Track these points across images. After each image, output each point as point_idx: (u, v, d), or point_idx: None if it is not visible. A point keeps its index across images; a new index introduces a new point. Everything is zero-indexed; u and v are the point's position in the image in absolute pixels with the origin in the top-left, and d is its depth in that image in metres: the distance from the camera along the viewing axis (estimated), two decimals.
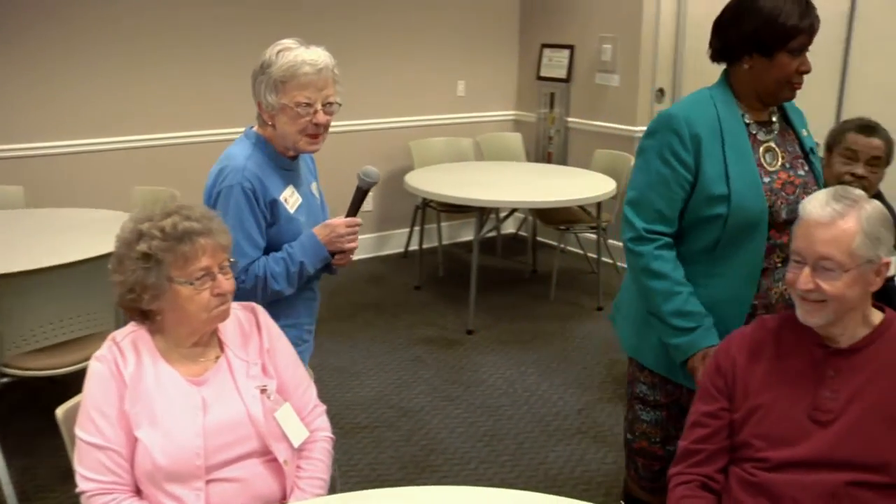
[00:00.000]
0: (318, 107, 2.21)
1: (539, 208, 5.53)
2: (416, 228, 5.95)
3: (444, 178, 5.27)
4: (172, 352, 1.88)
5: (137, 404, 1.80)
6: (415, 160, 5.89)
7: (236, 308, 2.01)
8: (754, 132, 2.19)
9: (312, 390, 2.08)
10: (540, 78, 6.56)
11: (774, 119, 2.23)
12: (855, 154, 2.86)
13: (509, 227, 6.93)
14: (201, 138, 5.31)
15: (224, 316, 1.89)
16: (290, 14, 5.50)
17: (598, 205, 5.22)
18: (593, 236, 5.70)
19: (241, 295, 2.16)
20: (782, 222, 2.15)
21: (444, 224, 6.33)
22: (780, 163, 2.19)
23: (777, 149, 2.20)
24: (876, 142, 2.84)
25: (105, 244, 3.29)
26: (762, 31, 2.09)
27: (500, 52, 6.69)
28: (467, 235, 6.69)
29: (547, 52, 6.50)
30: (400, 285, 5.62)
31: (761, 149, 2.18)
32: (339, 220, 2.34)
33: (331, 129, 2.30)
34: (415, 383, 4.21)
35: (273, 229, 2.28)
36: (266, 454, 1.87)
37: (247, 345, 1.98)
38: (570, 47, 6.32)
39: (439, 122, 6.40)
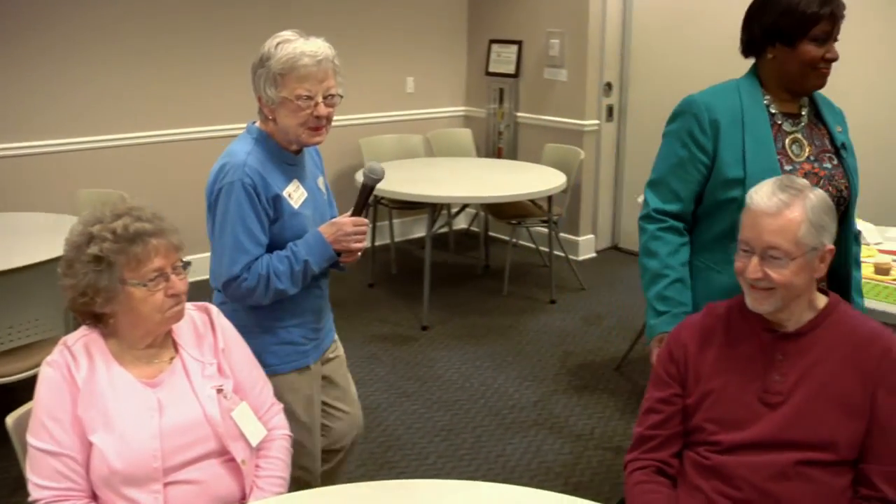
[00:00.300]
0: (319, 99, 2.15)
1: (490, 203, 5.56)
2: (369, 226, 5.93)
3: (395, 174, 5.27)
4: (126, 354, 1.86)
5: (91, 408, 1.78)
6: (365, 157, 5.88)
7: (190, 308, 1.99)
8: (779, 122, 2.19)
9: (269, 389, 2.08)
10: (489, 73, 6.59)
11: (804, 112, 2.22)
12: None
13: (461, 223, 6.95)
14: (147, 139, 5.25)
15: (179, 317, 1.88)
16: (234, 11, 5.45)
17: (549, 198, 5.26)
18: (545, 230, 5.74)
19: (243, 293, 2.17)
20: None
21: (395, 221, 6.33)
22: (806, 154, 2.18)
23: (804, 140, 2.19)
24: None
25: (50, 248, 3.24)
26: (782, 20, 2.11)
27: (449, 48, 6.70)
28: (419, 232, 6.70)
29: (495, 47, 6.54)
30: (353, 283, 5.61)
31: (788, 139, 2.18)
32: (346, 219, 2.27)
33: None
34: (371, 380, 4.21)
35: (276, 225, 2.22)
36: (224, 454, 1.87)
37: (201, 345, 1.96)
38: (519, 43, 6.36)
39: (389, 119, 6.40)
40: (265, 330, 2.28)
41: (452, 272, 5.93)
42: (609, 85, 6.15)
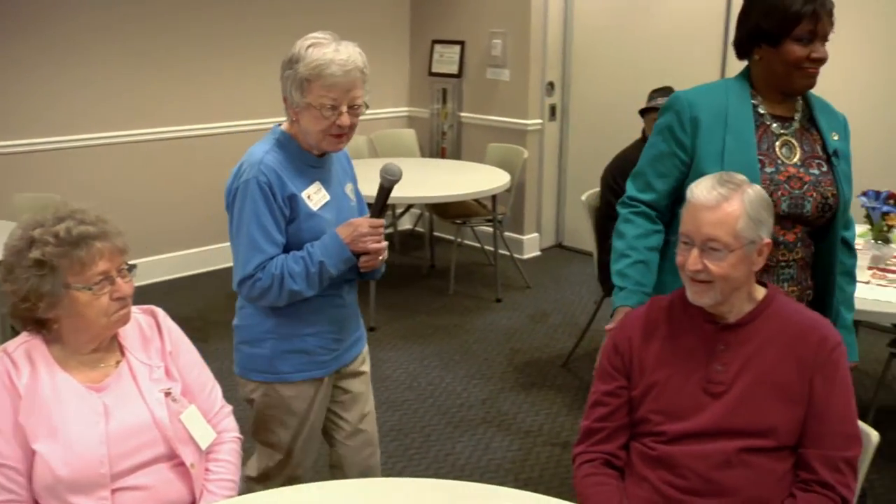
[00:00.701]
0: (344, 109, 2.09)
1: (435, 203, 5.58)
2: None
3: None
4: (70, 359, 1.83)
5: (33, 416, 1.74)
6: None
7: (136, 312, 1.96)
8: (768, 123, 2.17)
9: (218, 391, 2.06)
10: (432, 74, 6.61)
11: (796, 116, 2.19)
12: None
13: (406, 224, 6.95)
14: (83, 143, 5.14)
15: (125, 320, 1.85)
16: (178, 13, 5.37)
17: (493, 198, 5.30)
18: (489, 229, 5.78)
19: (257, 294, 2.15)
20: (783, 216, 2.10)
21: None
22: (796, 157, 2.15)
23: (795, 143, 2.16)
24: None
25: None
26: (765, 20, 2.09)
27: (392, 49, 6.70)
28: None
29: (438, 47, 6.56)
30: None
31: (778, 141, 2.15)
32: (363, 220, 2.19)
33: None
34: None
35: (292, 226, 2.17)
36: (173, 458, 1.85)
37: (148, 348, 1.94)
38: (461, 43, 6.39)
39: None
40: (280, 336, 2.25)
41: (398, 273, 5.93)
42: (551, 84, 6.21)
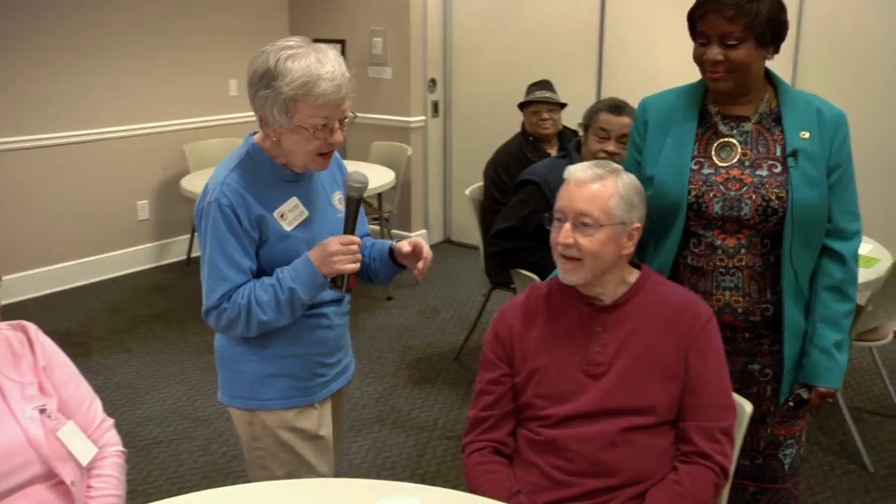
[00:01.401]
0: (336, 125, 1.90)
1: None
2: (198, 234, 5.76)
3: None
4: None
5: None
6: (190, 164, 5.70)
7: (5, 328, 1.88)
8: (716, 122, 2.07)
9: (98, 405, 1.99)
10: None
11: (753, 117, 2.06)
12: (607, 133, 3.09)
13: None
14: None
15: None
16: (58, 12, 5.15)
17: (379, 196, 5.30)
18: (376, 227, 5.77)
19: (224, 325, 1.97)
20: (717, 218, 2.03)
21: None
22: (735, 159, 2.03)
23: (738, 145, 2.04)
24: (625, 120, 3.08)
25: None
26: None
27: None
28: None
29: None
30: (186, 293, 5.44)
31: (717, 143, 2.06)
32: (333, 238, 1.96)
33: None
34: (210, 390, 4.09)
35: (264, 249, 1.97)
36: (51, 478, 1.77)
37: (20, 365, 1.86)
38: (342, 42, 6.35)
39: (214, 124, 6.23)
40: (261, 358, 2.05)
41: None
42: (433, 81, 6.25)
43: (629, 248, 1.92)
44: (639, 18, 5.38)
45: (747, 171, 2.02)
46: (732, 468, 1.90)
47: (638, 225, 1.92)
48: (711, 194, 2.02)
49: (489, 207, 4.09)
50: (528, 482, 1.88)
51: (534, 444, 1.91)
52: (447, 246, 6.58)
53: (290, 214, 1.98)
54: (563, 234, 1.86)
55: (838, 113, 2.05)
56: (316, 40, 1.95)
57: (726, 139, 2.06)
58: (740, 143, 2.05)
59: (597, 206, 1.85)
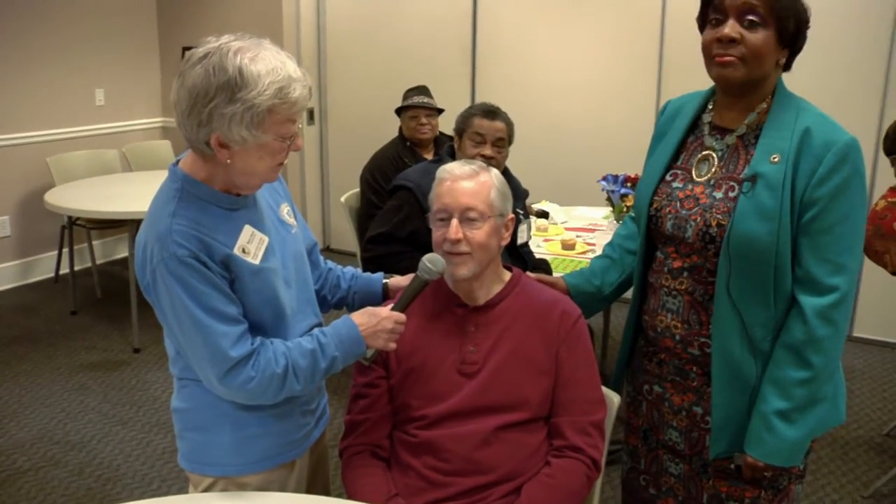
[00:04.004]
0: (297, 129, 1.66)
1: None
2: (66, 250, 5.52)
3: (90, 192, 4.96)
4: None
5: None
6: (55, 177, 5.45)
7: None
8: (705, 133, 1.87)
9: None
10: None
11: (737, 130, 1.82)
12: (483, 137, 3.13)
13: None
14: None
15: None
16: None
17: None
18: None
19: (248, 394, 1.68)
20: (668, 236, 1.87)
21: (95, 242, 5.94)
22: (708, 176, 1.82)
23: (716, 160, 1.83)
24: (499, 124, 3.14)
25: None
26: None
27: (140, 57, 6.40)
28: (122, 252, 6.35)
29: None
30: (54, 312, 5.20)
31: (698, 156, 1.87)
32: (388, 312, 1.79)
33: None
34: (81, 413, 3.93)
35: (234, 288, 1.68)
36: None
37: None
38: None
39: (79, 135, 5.99)
40: (238, 420, 1.78)
41: None
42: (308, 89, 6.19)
43: (507, 238, 1.98)
44: (511, 25, 5.49)
45: (707, 191, 1.81)
46: (604, 460, 1.95)
47: (512, 216, 1.98)
48: (667, 210, 1.86)
49: (367, 212, 4.09)
50: (406, 484, 1.88)
51: (410, 445, 1.91)
52: (327, 254, 6.52)
53: (250, 247, 1.70)
54: (452, 231, 1.88)
55: (834, 140, 1.68)
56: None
57: (707, 152, 1.85)
58: (718, 157, 1.82)
59: (480, 199, 1.90)
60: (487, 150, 3.10)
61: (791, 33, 1.71)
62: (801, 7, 1.72)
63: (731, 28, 1.69)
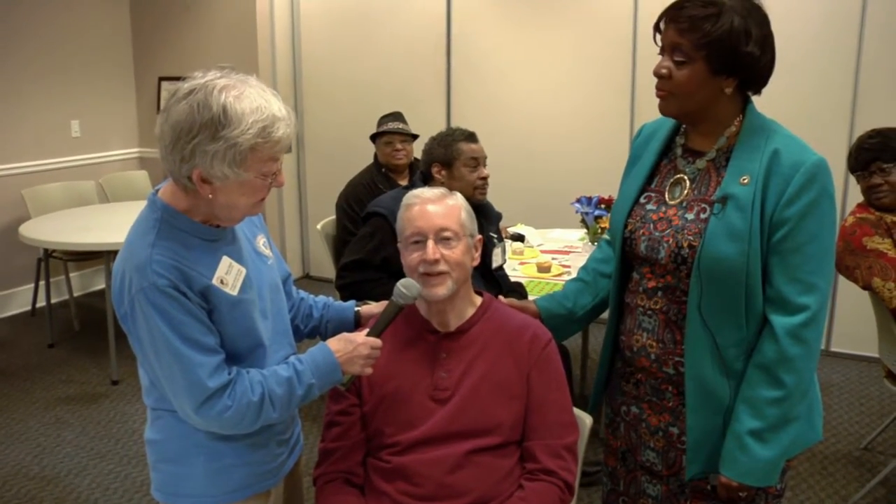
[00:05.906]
0: (279, 166, 1.66)
1: None
2: (42, 283, 5.49)
3: (67, 224, 4.94)
4: None
5: None
6: (30, 209, 5.43)
7: None
8: (678, 156, 1.89)
9: None
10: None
11: (708, 154, 1.84)
12: (477, 160, 3.16)
13: None
14: None
15: None
16: None
17: None
18: None
19: (223, 423, 1.67)
20: (642, 257, 1.89)
21: (73, 274, 5.92)
22: (680, 199, 1.85)
23: (689, 183, 1.85)
24: (481, 145, 3.21)
25: None
26: None
27: (116, 88, 6.40)
28: (100, 283, 6.32)
29: (165, 84, 6.35)
30: (30, 346, 5.16)
31: (672, 179, 1.89)
32: (363, 338, 1.80)
33: None
34: (58, 447, 3.89)
35: (212, 319, 1.68)
36: None
37: None
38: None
39: (54, 167, 5.97)
40: (212, 451, 1.77)
41: None
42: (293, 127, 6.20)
43: (477, 258, 2.02)
44: (486, 50, 5.55)
45: (679, 213, 1.83)
46: (577, 483, 1.96)
47: (480, 236, 2.03)
48: (641, 232, 1.88)
49: (343, 239, 4.10)
50: None
51: (383, 471, 1.91)
52: (307, 281, 6.52)
53: (228, 278, 1.70)
54: (430, 252, 1.90)
55: (802, 161, 1.70)
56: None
57: (680, 175, 1.87)
58: (690, 181, 1.85)
59: (453, 220, 1.95)
60: (486, 172, 3.17)
61: (726, 62, 1.71)
62: (735, 33, 1.70)
63: (660, 64, 1.76)
